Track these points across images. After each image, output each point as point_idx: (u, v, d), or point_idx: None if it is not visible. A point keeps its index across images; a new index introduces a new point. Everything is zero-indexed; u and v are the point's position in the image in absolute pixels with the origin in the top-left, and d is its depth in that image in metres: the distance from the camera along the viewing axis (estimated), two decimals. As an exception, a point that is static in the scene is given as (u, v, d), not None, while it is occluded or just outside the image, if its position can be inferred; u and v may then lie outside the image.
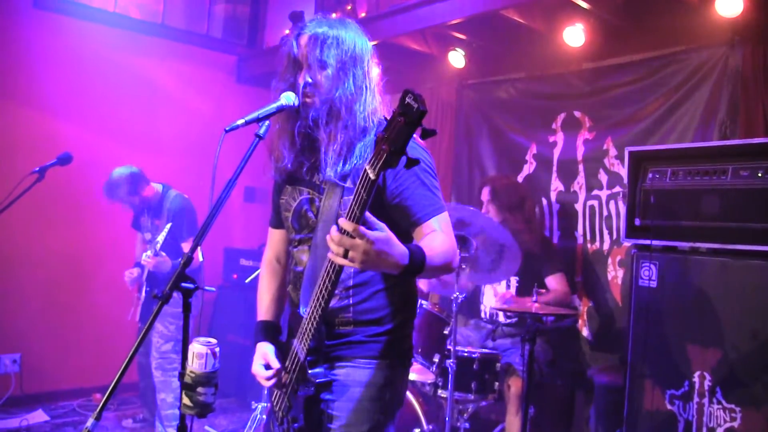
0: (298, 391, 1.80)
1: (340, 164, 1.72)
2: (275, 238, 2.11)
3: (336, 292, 1.73)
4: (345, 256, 1.41)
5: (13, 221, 4.06)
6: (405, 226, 1.74)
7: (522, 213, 3.86)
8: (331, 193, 1.78)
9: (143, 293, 4.05)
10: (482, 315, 3.98)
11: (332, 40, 1.75)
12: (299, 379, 1.78)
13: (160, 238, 3.70)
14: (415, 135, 1.36)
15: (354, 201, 1.39)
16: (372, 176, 1.35)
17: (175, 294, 1.61)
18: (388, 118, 1.82)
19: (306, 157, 1.86)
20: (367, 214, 1.41)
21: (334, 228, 1.42)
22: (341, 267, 1.53)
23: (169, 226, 3.73)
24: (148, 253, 3.76)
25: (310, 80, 1.76)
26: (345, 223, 1.39)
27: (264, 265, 2.14)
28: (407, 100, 1.29)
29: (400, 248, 1.46)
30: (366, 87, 1.78)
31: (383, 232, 1.43)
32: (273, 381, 1.83)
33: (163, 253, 3.75)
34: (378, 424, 1.79)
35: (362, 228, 1.38)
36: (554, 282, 3.79)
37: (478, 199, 4.04)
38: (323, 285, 1.59)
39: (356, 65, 1.77)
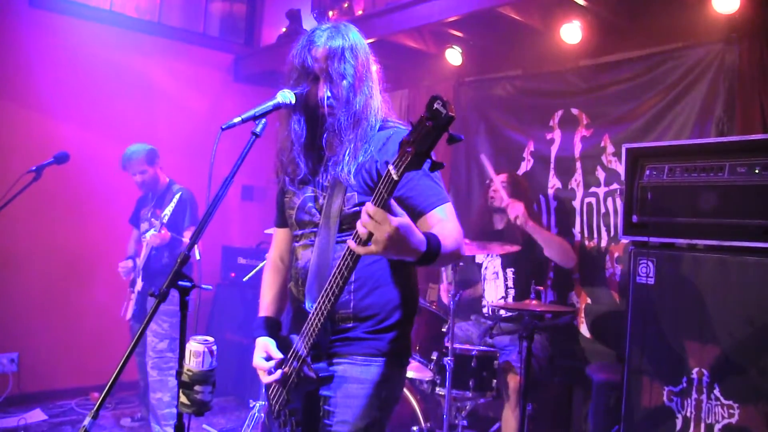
0: (299, 385, 1.81)
1: (354, 164, 1.77)
2: (280, 237, 2.14)
3: None
4: (366, 241, 1.45)
5: (10, 220, 4.05)
6: (410, 217, 1.75)
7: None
8: (336, 190, 1.80)
9: (136, 289, 4.04)
10: (484, 311, 3.98)
11: (350, 53, 1.80)
12: (301, 373, 1.79)
13: (168, 210, 3.68)
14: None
15: (375, 200, 1.44)
16: (395, 177, 1.40)
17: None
18: (390, 118, 1.87)
19: (311, 158, 1.88)
20: (392, 202, 1.46)
21: (364, 210, 1.45)
22: (354, 264, 1.57)
23: (177, 197, 3.71)
24: (152, 231, 3.74)
25: (329, 94, 1.79)
26: (371, 208, 1.42)
27: (268, 263, 2.17)
28: (435, 105, 1.32)
29: (418, 235, 1.49)
30: (375, 90, 1.85)
31: (405, 218, 1.46)
32: (275, 374, 1.84)
33: (166, 230, 3.75)
34: (374, 421, 1.81)
35: (387, 213, 1.42)
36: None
37: (476, 197, 4.04)
38: (334, 281, 1.62)
39: (369, 72, 1.84)
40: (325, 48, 1.79)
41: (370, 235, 1.43)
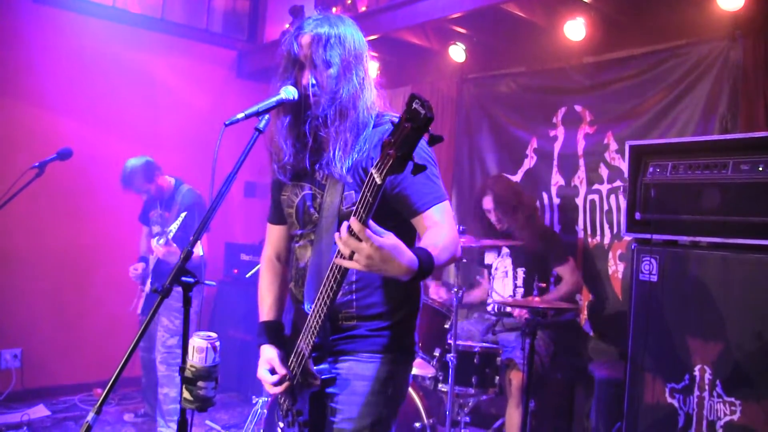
0: (303, 386, 1.81)
1: (348, 160, 1.72)
2: (274, 234, 2.09)
3: None
4: (351, 257, 1.41)
5: (13, 216, 4.07)
6: (406, 215, 1.74)
7: (522, 211, 3.86)
8: (333, 188, 1.77)
9: (147, 285, 4.06)
10: (488, 308, 3.98)
11: (335, 40, 1.75)
12: (304, 375, 1.79)
13: (174, 226, 3.70)
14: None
15: (360, 204, 1.39)
16: (378, 181, 1.35)
17: (178, 288, 1.61)
18: (387, 112, 1.83)
19: (306, 153, 1.84)
20: (372, 223, 1.39)
21: (343, 227, 1.41)
22: (342, 274, 1.55)
23: (183, 215, 3.72)
24: (161, 240, 3.75)
25: (314, 81, 1.75)
26: (354, 223, 1.38)
27: (264, 262, 2.12)
28: (414, 105, 1.27)
29: (408, 255, 1.45)
30: (366, 83, 1.79)
31: (390, 239, 1.41)
32: (279, 388, 1.83)
33: (174, 244, 3.75)
34: (380, 418, 1.79)
35: (368, 231, 1.37)
36: (564, 272, 3.80)
37: (478, 195, 4.03)
38: (328, 283, 1.59)
39: (358, 63, 1.78)
40: (310, 34, 1.75)
41: (353, 252, 1.40)
